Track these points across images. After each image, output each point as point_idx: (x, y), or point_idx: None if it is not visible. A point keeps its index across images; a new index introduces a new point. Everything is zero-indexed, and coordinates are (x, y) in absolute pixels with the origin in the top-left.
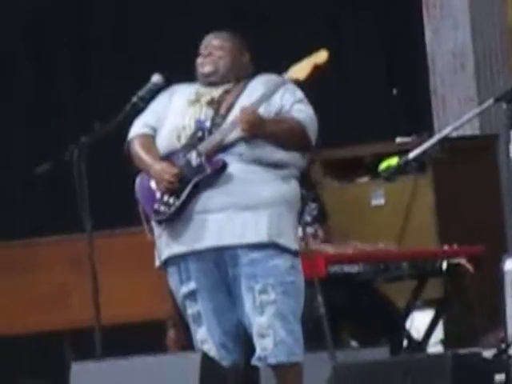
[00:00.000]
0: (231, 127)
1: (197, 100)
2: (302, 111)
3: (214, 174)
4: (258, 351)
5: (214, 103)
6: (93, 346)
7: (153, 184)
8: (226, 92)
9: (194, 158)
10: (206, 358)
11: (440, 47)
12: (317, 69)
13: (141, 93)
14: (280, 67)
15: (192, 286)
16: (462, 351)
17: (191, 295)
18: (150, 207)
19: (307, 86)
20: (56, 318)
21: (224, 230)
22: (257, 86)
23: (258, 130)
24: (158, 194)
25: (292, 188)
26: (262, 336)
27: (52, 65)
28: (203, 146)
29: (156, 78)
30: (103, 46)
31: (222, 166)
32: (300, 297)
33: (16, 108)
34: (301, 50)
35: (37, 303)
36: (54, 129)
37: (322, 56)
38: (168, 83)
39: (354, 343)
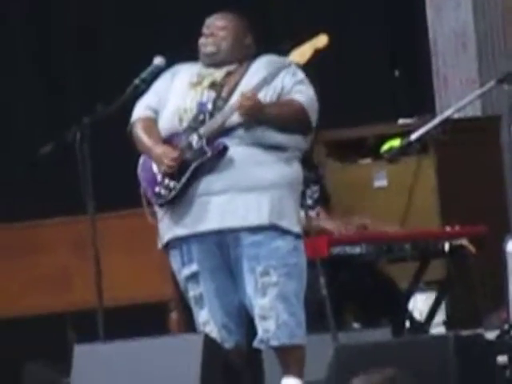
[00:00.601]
0: (231, 111)
1: (199, 82)
2: (302, 92)
3: (214, 158)
4: (260, 333)
5: (217, 85)
6: (95, 328)
7: (154, 167)
8: (229, 74)
9: (195, 141)
10: (208, 339)
11: (442, 27)
12: (317, 53)
13: (143, 75)
14: (281, 46)
15: (194, 268)
16: (465, 332)
17: (193, 277)
18: (151, 190)
19: (310, 67)
20: (59, 300)
21: (226, 213)
22: (259, 68)
23: (257, 114)
24: (159, 177)
25: (294, 170)
26: (264, 318)
27: (54, 43)
28: (204, 129)
29: (158, 60)
30: (106, 26)
31: (222, 149)
32: (302, 279)
33: (18, 89)
34: (303, 31)
35: (39, 285)
36: (56, 109)
37: (322, 40)
38: (170, 65)
39: (356, 324)
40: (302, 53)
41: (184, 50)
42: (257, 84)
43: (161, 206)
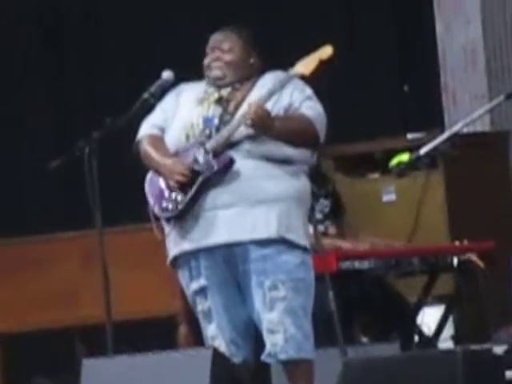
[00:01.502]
0: (238, 123)
1: (205, 98)
2: (311, 108)
3: (221, 171)
4: (268, 347)
5: (223, 101)
6: (104, 343)
7: (162, 183)
8: (235, 90)
9: (201, 155)
10: (217, 354)
11: (451, 43)
12: (322, 64)
13: (152, 89)
14: (292, 59)
15: (202, 282)
16: (473, 347)
17: (201, 291)
18: (158, 205)
19: (319, 81)
20: (67, 315)
21: (234, 226)
22: (265, 84)
23: (266, 125)
24: (167, 193)
25: (301, 184)
26: (272, 332)
27: (64, 57)
28: (211, 144)
29: (167, 74)
30: (113, 41)
31: (229, 162)
32: (310, 293)
33: (27, 100)
34: (313, 43)
35: (48, 300)
36: (66, 123)
37: (327, 51)
38: (179, 80)
39: (364, 339)
40: (307, 64)
41: (190, 66)
42: (263, 95)
43: (168, 220)
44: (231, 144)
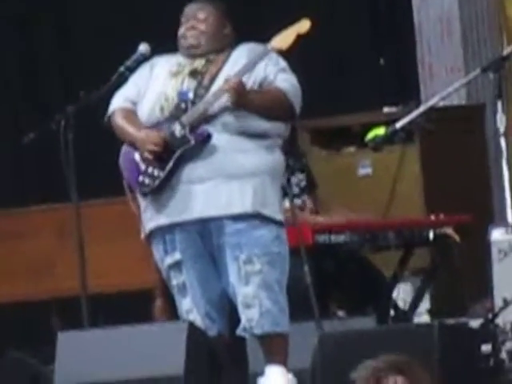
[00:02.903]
0: (215, 97)
1: (179, 71)
2: (285, 81)
3: (198, 145)
4: (244, 321)
5: (197, 74)
6: (80, 316)
7: (137, 156)
8: (209, 62)
9: (177, 129)
10: (192, 327)
11: (427, 14)
12: (299, 38)
13: (128, 62)
14: (268, 32)
15: (177, 256)
16: (449, 321)
17: (176, 266)
18: (134, 179)
19: (295, 55)
20: (43, 287)
21: (209, 201)
22: (240, 56)
23: (243, 99)
24: (143, 166)
25: (276, 158)
26: (248, 306)
27: (36, 33)
28: (187, 118)
29: (143, 48)
30: (88, 14)
31: (206, 136)
32: (285, 267)
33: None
34: (288, 17)
35: (24, 272)
36: (40, 97)
37: (304, 25)
38: (155, 53)
39: (340, 313)
40: (284, 38)
41: (167, 38)
42: (239, 70)
43: (144, 195)
44: (207, 118)
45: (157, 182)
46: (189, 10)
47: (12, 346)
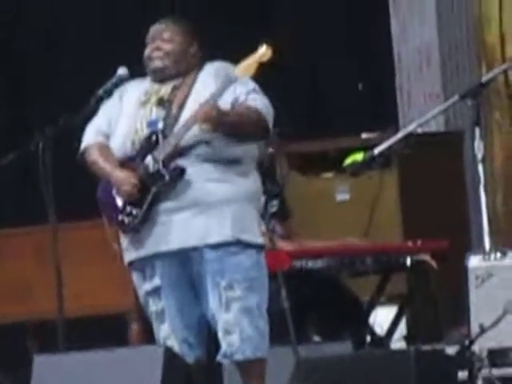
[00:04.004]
0: (185, 129)
1: (147, 100)
2: (257, 100)
3: (172, 181)
4: (224, 347)
5: (165, 102)
6: (56, 339)
7: (114, 192)
8: (175, 88)
9: (151, 164)
10: (169, 352)
11: (406, 43)
12: (262, 66)
13: (106, 86)
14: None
15: (156, 282)
16: (426, 347)
17: (155, 292)
18: (114, 217)
19: (274, 80)
20: (19, 310)
21: (188, 232)
22: (206, 79)
23: (217, 122)
24: (120, 203)
25: (251, 182)
26: (229, 332)
27: (20, 53)
28: (159, 152)
29: (121, 71)
30: (70, 37)
31: (180, 172)
32: (264, 292)
33: None
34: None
35: (0, 294)
36: (20, 117)
37: (266, 54)
38: (133, 76)
39: (317, 338)
40: (247, 68)
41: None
42: (207, 99)
43: (125, 232)
44: (180, 151)
45: (136, 221)
46: (154, 30)
47: None
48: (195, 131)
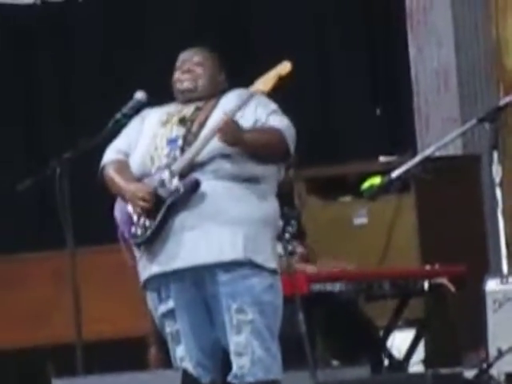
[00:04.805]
0: (203, 144)
1: (168, 120)
2: (278, 121)
3: (187, 194)
4: (235, 369)
5: (186, 121)
6: (75, 363)
7: (129, 208)
8: (198, 109)
9: (167, 178)
10: (186, 375)
11: (424, 66)
12: (281, 80)
13: (124, 109)
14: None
15: (170, 304)
16: (443, 371)
17: (170, 314)
18: (127, 231)
19: (291, 104)
20: (38, 334)
21: (200, 248)
22: (228, 102)
23: (237, 137)
24: (135, 217)
25: (269, 205)
26: (240, 354)
27: (37, 76)
28: (176, 166)
29: (139, 95)
30: (89, 63)
31: (195, 184)
32: (277, 315)
33: None
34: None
35: (19, 319)
36: (37, 143)
37: (285, 68)
38: (151, 101)
39: (334, 362)
40: (266, 81)
41: (165, 88)
42: (231, 109)
43: (138, 245)
44: (197, 165)
45: (148, 232)
46: (184, 55)
47: None
48: (213, 146)
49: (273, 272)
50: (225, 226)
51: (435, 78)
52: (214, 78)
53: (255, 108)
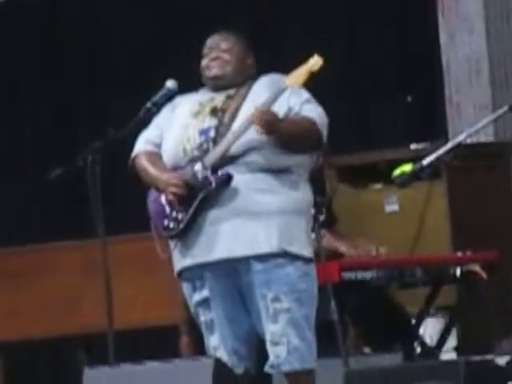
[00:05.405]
0: (237, 134)
1: (200, 111)
2: (311, 110)
3: (219, 188)
4: (272, 358)
5: (218, 111)
6: (106, 352)
7: (163, 199)
8: (229, 98)
9: (199, 170)
10: (218, 363)
11: (455, 53)
12: (312, 75)
13: (155, 98)
14: (291, 68)
15: (205, 293)
16: (476, 358)
17: (204, 303)
18: (160, 223)
19: (322, 93)
20: (70, 323)
21: (235, 241)
22: (260, 90)
23: (273, 127)
24: (168, 209)
25: (301, 194)
26: (276, 344)
27: (65, 67)
28: (208, 158)
29: (170, 84)
30: (118, 50)
31: (227, 178)
32: (313, 303)
33: (28, 110)
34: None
35: (50, 308)
36: (68, 133)
37: (316, 63)
38: (182, 89)
39: (367, 349)
40: (298, 76)
41: (195, 75)
42: (264, 101)
43: (170, 238)
44: (229, 158)
45: (181, 225)
46: (211, 40)
47: (39, 382)
48: (246, 138)
49: (308, 260)
50: (258, 218)
51: (466, 65)
52: (243, 64)
53: (288, 96)
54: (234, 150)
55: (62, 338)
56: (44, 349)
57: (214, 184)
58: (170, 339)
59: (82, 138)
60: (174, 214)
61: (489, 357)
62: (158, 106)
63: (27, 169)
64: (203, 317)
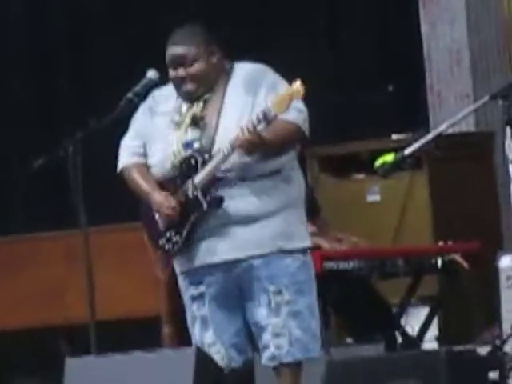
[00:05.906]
0: (224, 158)
1: (181, 121)
2: (292, 109)
3: (210, 210)
4: (272, 350)
5: (198, 120)
6: (88, 342)
7: (156, 215)
8: (206, 103)
9: (190, 190)
10: (200, 353)
11: (436, 43)
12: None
13: (136, 88)
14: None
15: (202, 288)
16: (457, 348)
17: (200, 298)
18: (155, 240)
19: (306, 82)
20: (51, 314)
21: (233, 245)
22: (236, 91)
23: (258, 146)
24: (161, 226)
25: (295, 186)
26: (277, 335)
27: (49, 59)
28: (198, 179)
29: (151, 74)
30: (101, 40)
31: (218, 201)
32: (313, 291)
33: (12, 102)
34: (295, 46)
35: (32, 298)
36: (50, 122)
37: (299, 91)
38: (163, 79)
39: (349, 339)
40: (280, 104)
41: None
42: (249, 123)
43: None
44: (219, 177)
45: (176, 247)
46: (172, 55)
47: (21, 374)
48: (233, 157)
49: (304, 250)
50: (255, 222)
51: (448, 55)
52: (210, 66)
53: (265, 94)
54: (224, 166)
55: (45, 329)
56: (26, 339)
57: (205, 206)
58: (152, 330)
59: (66, 129)
60: (168, 234)
61: (470, 347)
62: (139, 96)
63: (9, 159)
64: (197, 312)
